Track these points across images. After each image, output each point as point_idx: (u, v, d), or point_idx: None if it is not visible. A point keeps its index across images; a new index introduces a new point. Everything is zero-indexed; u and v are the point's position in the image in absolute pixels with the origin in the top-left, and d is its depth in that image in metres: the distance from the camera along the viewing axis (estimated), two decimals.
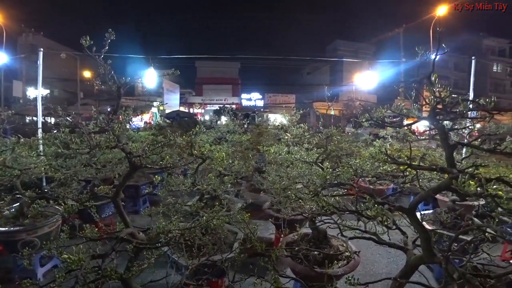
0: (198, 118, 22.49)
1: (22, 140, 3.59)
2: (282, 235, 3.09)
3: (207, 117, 25.36)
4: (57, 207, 3.57)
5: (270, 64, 39.57)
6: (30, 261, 3.35)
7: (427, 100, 1.86)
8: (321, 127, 4.15)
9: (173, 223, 1.69)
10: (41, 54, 5.98)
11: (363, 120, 2.18)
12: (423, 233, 1.82)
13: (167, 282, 1.69)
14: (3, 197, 3.07)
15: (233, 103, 35.13)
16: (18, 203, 3.42)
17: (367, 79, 22.35)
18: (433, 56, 1.83)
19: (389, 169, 2.85)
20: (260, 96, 37.95)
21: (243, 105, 36.46)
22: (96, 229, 1.90)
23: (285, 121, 5.77)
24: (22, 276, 3.41)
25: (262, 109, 34.65)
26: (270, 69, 42.94)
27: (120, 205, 1.68)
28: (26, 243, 3.19)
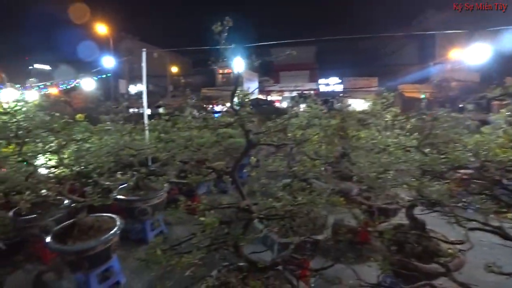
0: (276, 105, 22.79)
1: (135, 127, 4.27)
2: (371, 224, 2.91)
3: (284, 104, 25.43)
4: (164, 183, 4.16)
5: (349, 45, 36.84)
6: (144, 225, 4.07)
7: None
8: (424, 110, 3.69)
9: (271, 201, 1.76)
10: (144, 54, 6.71)
11: (466, 103, 1.84)
12: None
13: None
14: (126, 172, 3.74)
15: (310, 89, 34.24)
16: (134, 178, 4.08)
17: (470, 53, 18.55)
18: None
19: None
20: (339, 81, 35.96)
21: (320, 90, 35.23)
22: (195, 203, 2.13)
23: (370, 105, 5.36)
24: (137, 237, 4.15)
25: (341, 94, 32.89)
26: (349, 51, 39.90)
27: (237, 179, 1.85)
28: (141, 210, 3.82)
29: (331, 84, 36.00)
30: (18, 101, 3.54)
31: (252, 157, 2.44)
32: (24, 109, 3.48)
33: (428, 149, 3.23)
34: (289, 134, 2.22)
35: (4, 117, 3.48)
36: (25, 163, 3.33)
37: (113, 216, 3.29)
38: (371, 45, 37.29)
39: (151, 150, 4.27)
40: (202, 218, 1.44)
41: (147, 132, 5.16)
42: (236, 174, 1.94)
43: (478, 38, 19.13)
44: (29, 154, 3.24)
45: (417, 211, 2.73)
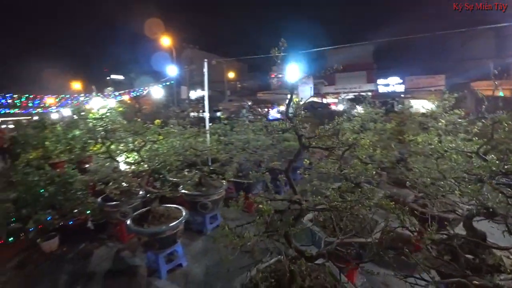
0: (331, 107, 22.31)
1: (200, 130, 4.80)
2: (425, 232, 2.82)
3: (340, 107, 24.72)
4: (222, 181, 4.58)
5: (410, 41, 33.94)
6: (204, 218, 4.52)
7: None
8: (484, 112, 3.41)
9: (320, 199, 1.91)
10: (206, 63, 7.27)
11: None
12: None
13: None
14: (191, 170, 4.24)
15: (368, 90, 32.56)
16: (197, 175, 4.57)
17: None
18: None
19: None
20: (400, 80, 33.41)
21: (379, 91, 33.23)
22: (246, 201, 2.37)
23: (432, 107, 5.02)
24: (197, 229, 4.63)
25: (402, 95, 30.56)
26: (410, 47, 36.70)
27: (290, 177, 2.07)
28: (202, 205, 4.27)
29: (391, 84, 33.65)
30: (107, 108, 4.31)
31: (306, 160, 2.60)
32: (108, 114, 4.22)
33: (492, 155, 3.00)
34: (342, 138, 2.33)
35: (95, 122, 4.26)
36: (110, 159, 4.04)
37: (180, 207, 3.77)
38: (437, 39, 33.73)
39: (212, 151, 4.76)
40: (260, 206, 1.67)
41: (208, 135, 5.68)
42: (290, 173, 2.14)
43: None
44: (117, 152, 3.92)
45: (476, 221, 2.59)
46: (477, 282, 1.92)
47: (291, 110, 2.02)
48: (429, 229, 2.22)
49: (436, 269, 2.42)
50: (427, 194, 2.94)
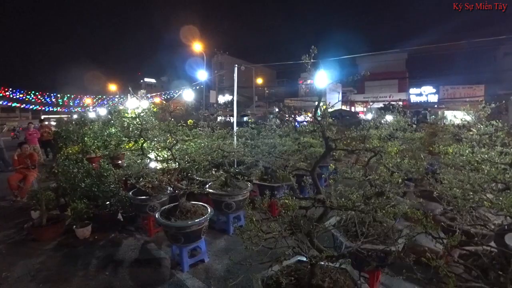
0: (360, 116, 21.84)
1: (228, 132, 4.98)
2: (452, 246, 2.72)
3: (369, 116, 24.14)
4: (247, 183, 4.69)
5: (447, 49, 32.36)
6: (228, 218, 4.64)
7: None
8: None
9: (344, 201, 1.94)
10: (236, 68, 7.40)
11: None
12: None
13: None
14: (217, 170, 4.40)
15: (399, 100, 31.42)
16: (224, 175, 4.71)
17: None
18: None
19: None
20: (434, 90, 31.97)
21: (411, 101, 31.95)
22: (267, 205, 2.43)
23: (467, 118, 4.80)
24: (220, 228, 4.75)
25: (436, 105, 29.18)
26: (446, 56, 34.93)
27: (315, 177, 2.13)
28: (227, 204, 4.40)
29: (424, 93, 32.27)
30: (141, 108, 4.60)
31: (331, 165, 2.64)
32: (143, 114, 4.49)
33: None
34: (368, 145, 2.34)
35: (130, 120, 4.56)
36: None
37: (205, 205, 3.92)
38: (476, 48, 31.95)
39: (238, 153, 4.90)
40: (286, 201, 1.75)
41: (235, 138, 5.83)
42: (315, 173, 2.19)
43: None
44: (149, 149, 4.17)
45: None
46: None
47: (319, 112, 2.07)
48: (455, 240, 2.15)
49: (464, 285, 2.33)
50: (456, 206, 2.83)
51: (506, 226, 2.36)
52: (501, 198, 2.13)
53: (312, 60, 2.06)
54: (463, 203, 2.64)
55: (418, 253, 2.29)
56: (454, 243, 1.61)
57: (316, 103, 2.18)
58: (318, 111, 2.23)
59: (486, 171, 2.70)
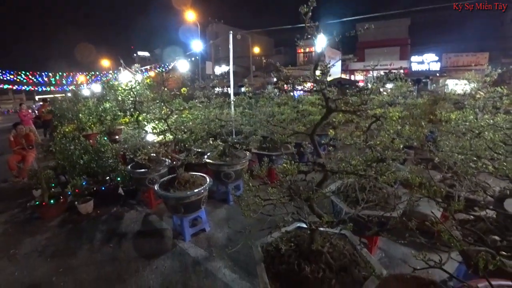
0: (360, 85, 21.41)
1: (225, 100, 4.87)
2: (450, 213, 2.73)
3: (369, 85, 23.62)
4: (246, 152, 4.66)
5: (452, 14, 31.03)
6: (227, 188, 4.67)
7: None
8: None
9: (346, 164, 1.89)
10: (231, 35, 6.97)
11: None
12: None
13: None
14: (216, 140, 4.35)
15: (400, 68, 30.67)
16: (222, 145, 4.66)
17: None
18: None
19: None
20: (436, 58, 31.11)
21: (413, 69, 31.23)
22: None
23: (471, 86, 4.67)
24: (220, 198, 4.80)
25: (438, 74, 28.58)
26: (450, 22, 33.66)
27: (315, 140, 2.06)
28: (226, 174, 4.39)
29: (426, 61, 31.42)
30: (135, 81, 4.44)
31: (331, 130, 2.56)
32: (136, 87, 4.35)
33: None
34: (369, 112, 2.25)
35: (124, 94, 4.43)
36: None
37: (205, 175, 3.91)
38: (482, 13, 30.64)
39: (236, 123, 4.82)
40: (284, 165, 1.70)
41: (232, 107, 5.70)
42: (314, 136, 2.11)
43: None
44: (144, 122, 4.08)
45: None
46: (504, 253, 1.86)
47: (318, 72, 1.95)
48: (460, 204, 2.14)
49: (467, 248, 2.35)
50: (456, 172, 2.80)
51: (508, 192, 2.34)
52: (505, 163, 2.09)
53: (309, 25, 1.90)
54: (465, 169, 2.61)
55: (416, 220, 2.29)
56: (459, 207, 1.57)
57: (315, 63, 2.04)
58: (317, 71, 2.09)
59: (489, 137, 2.65)
